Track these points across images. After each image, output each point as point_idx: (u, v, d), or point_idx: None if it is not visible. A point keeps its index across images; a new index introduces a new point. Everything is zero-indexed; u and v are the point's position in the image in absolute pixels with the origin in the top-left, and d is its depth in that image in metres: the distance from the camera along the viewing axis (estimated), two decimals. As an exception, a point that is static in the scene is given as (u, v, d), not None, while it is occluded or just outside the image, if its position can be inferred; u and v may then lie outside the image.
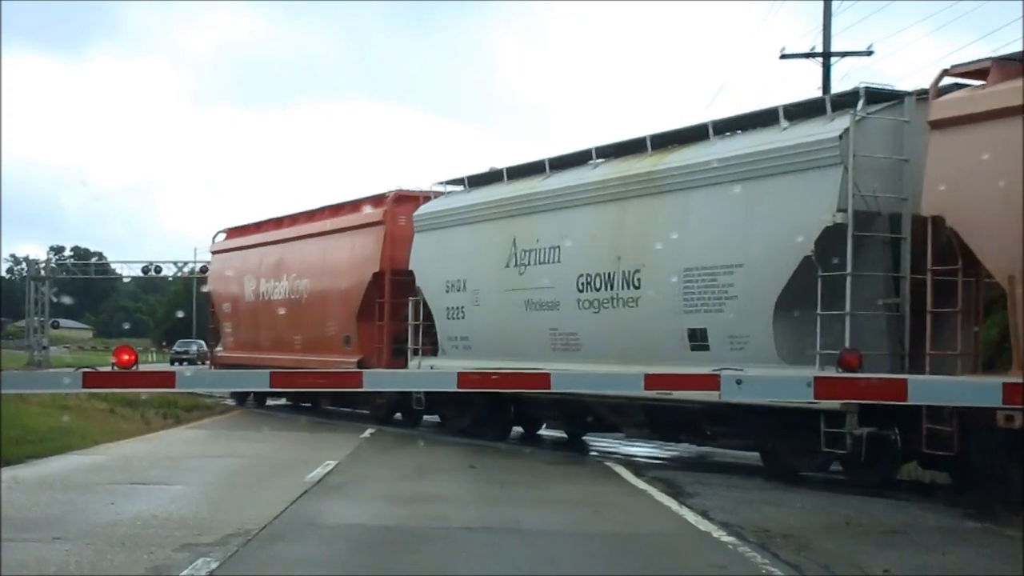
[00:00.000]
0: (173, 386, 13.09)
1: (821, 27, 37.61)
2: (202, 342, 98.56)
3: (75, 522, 13.56)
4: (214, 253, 43.38)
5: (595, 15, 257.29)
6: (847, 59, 38.37)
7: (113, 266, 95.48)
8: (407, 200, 29.83)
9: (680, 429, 22.04)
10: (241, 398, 40.29)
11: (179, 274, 78.78)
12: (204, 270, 76.79)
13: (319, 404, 36.64)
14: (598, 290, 21.90)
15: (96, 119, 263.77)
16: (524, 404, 25.78)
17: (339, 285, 31.94)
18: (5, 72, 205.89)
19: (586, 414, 24.27)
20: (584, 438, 27.37)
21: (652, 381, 13.45)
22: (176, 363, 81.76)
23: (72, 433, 24.70)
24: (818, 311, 17.60)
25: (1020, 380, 11.40)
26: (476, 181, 27.32)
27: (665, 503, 16.18)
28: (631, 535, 13.84)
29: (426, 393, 26.41)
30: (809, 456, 18.54)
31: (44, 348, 72.84)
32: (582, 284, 22.30)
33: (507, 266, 24.54)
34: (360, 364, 29.33)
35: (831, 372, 11.81)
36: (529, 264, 23.95)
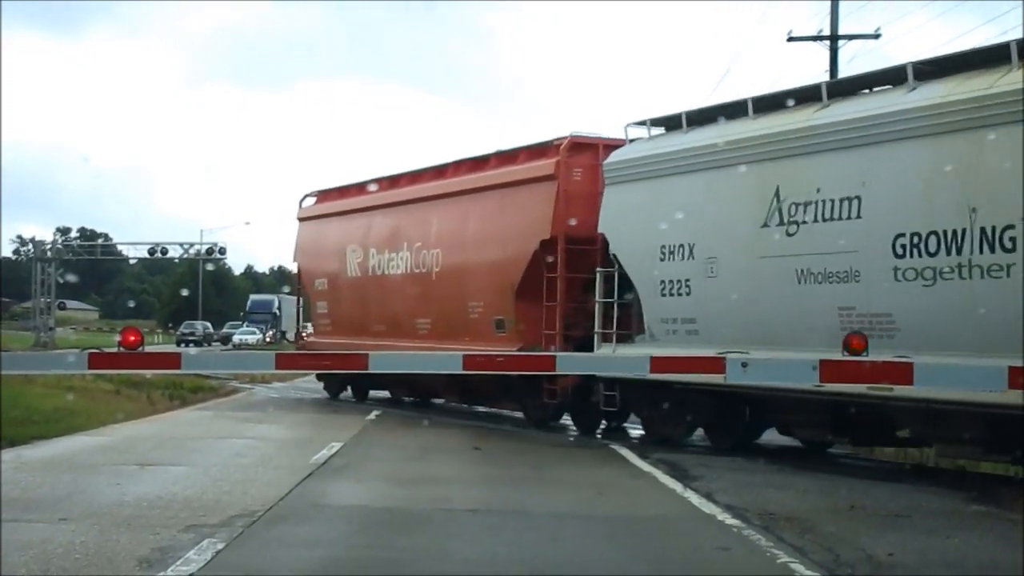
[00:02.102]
0: (178, 367, 13.04)
1: (827, 11, 37.54)
2: (208, 323, 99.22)
3: (80, 503, 13.59)
4: (302, 220, 36.17)
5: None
6: (854, 42, 38.31)
7: (119, 247, 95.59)
8: (585, 148, 24.24)
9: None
10: (335, 390, 34.63)
11: (185, 256, 78.77)
12: (210, 252, 77.06)
13: (441, 399, 31.60)
14: (933, 254, 16.32)
15: (98, 100, 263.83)
16: (767, 404, 19.87)
17: (488, 256, 25.90)
18: (4, 52, 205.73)
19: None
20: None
21: (657, 364, 13.44)
22: (182, 344, 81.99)
23: (77, 414, 24.73)
24: None
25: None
26: (699, 118, 21.29)
27: (669, 485, 16.20)
28: (635, 517, 13.86)
29: (620, 386, 22.18)
30: None
31: (50, 329, 72.85)
32: (902, 247, 16.74)
33: (765, 225, 18.77)
34: None
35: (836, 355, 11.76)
36: (804, 221, 18.24)
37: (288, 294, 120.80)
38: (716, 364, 11.81)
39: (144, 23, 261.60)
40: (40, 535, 11.42)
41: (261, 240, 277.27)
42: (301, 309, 38.16)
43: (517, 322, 24.63)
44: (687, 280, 20.43)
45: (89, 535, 11.48)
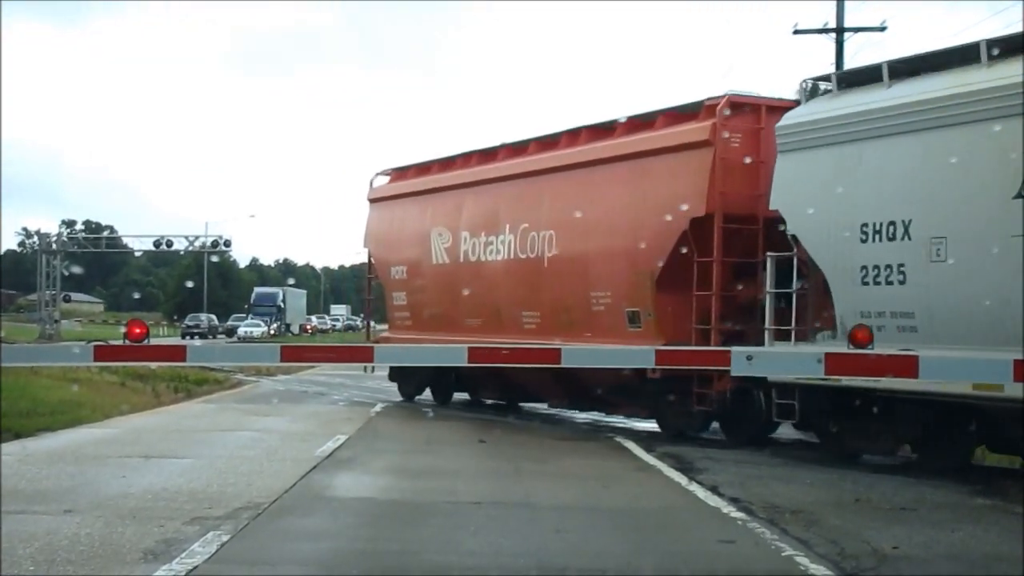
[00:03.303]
0: (184, 360, 13.06)
1: (829, 4, 37.48)
2: (213, 316, 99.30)
3: (86, 495, 13.61)
4: (373, 201, 32.23)
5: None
6: (859, 34, 38.24)
7: (124, 240, 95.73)
8: (744, 109, 20.77)
9: None
10: (410, 392, 30.98)
11: (190, 248, 78.84)
12: (215, 244, 77.14)
13: (542, 402, 27.90)
14: None
15: (102, 91, 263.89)
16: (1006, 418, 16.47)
17: (619, 238, 22.13)
18: (7, 43, 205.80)
19: None
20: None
21: (662, 357, 13.43)
22: (187, 336, 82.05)
23: (83, 406, 24.77)
24: None
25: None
26: (905, 69, 17.65)
27: (675, 479, 16.21)
28: (640, 510, 13.87)
29: (801, 393, 18.56)
30: None
31: (56, 321, 72.98)
32: None
33: (1019, 195, 15.38)
34: None
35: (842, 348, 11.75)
36: None
37: (293, 286, 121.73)
38: (721, 357, 11.81)
39: (149, 13, 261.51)
40: (46, 527, 11.45)
41: (266, 233, 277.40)
42: (371, 300, 33.51)
43: (656, 315, 21.14)
44: (900, 265, 16.92)
45: (94, 527, 11.51)
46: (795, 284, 18.75)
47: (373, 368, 32.02)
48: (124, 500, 13.24)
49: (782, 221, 18.76)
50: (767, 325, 19.03)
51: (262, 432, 21.81)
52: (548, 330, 23.50)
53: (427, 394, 30.31)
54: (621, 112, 23.40)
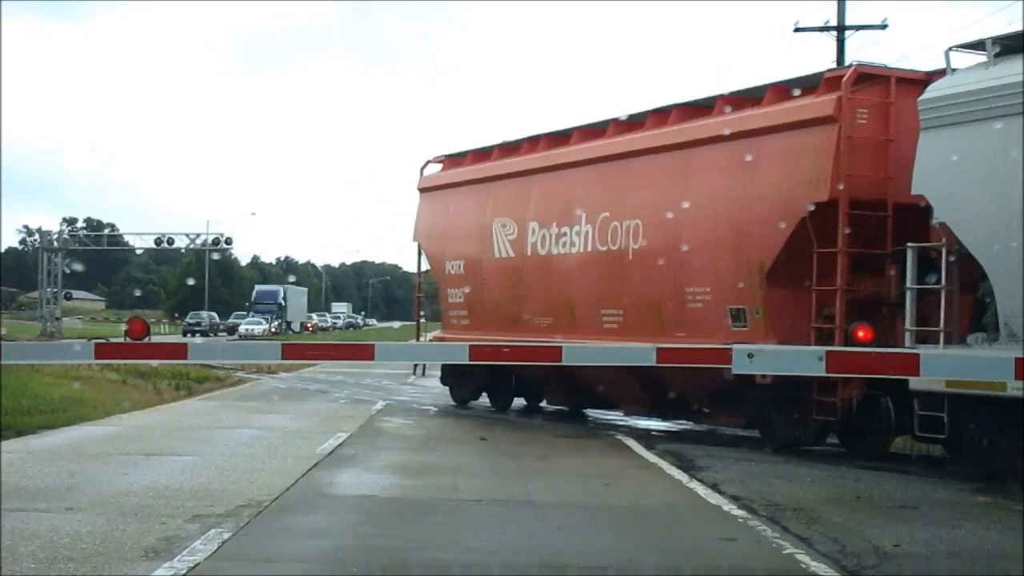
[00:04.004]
0: (185, 357, 13.05)
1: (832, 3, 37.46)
2: (214, 314, 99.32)
3: (87, 492, 13.62)
4: (424, 191, 29.76)
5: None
6: (861, 32, 38.23)
7: (126, 238, 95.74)
8: (871, 82, 18.72)
9: None
10: (465, 397, 28.67)
11: (191, 246, 78.85)
12: (216, 242, 77.11)
13: (619, 409, 25.09)
14: None
15: (103, 88, 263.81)
16: None
17: (721, 227, 19.99)
18: (6, 40, 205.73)
19: None
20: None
21: (664, 355, 13.43)
22: (188, 334, 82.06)
23: (84, 403, 24.78)
24: None
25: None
26: None
27: (675, 476, 16.21)
28: (641, 507, 13.87)
29: (950, 404, 16.23)
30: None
31: (56, 319, 72.97)
32: None
33: None
34: None
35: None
36: None
37: (294, 284, 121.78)
38: (722, 355, 11.80)
39: (150, 10, 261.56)
40: (47, 524, 11.46)
41: (267, 230, 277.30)
42: (422, 298, 31.13)
43: (766, 313, 19.05)
44: None
45: (96, 524, 11.52)
46: (943, 279, 16.48)
47: (424, 370, 31.14)
48: (125, 498, 13.25)
49: (926, 208, 16.56)
50: (908, 326, 16.75)
51: (263, 430, 21.82)
52: (632, 330, 21.42)
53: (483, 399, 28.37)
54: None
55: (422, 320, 31.36)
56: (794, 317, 18.72)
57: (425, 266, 30.05)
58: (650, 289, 21.34)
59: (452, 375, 28.97)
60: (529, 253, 24.93)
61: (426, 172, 29.89)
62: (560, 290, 23.93)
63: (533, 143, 26.04)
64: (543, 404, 27.87)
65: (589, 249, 23.04)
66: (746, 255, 19.40)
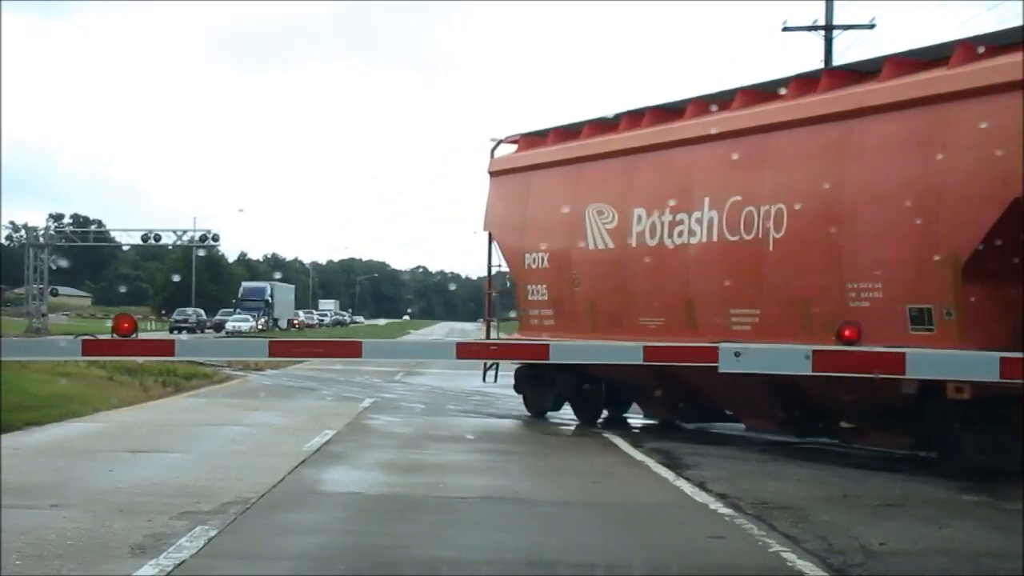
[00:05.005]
0: (172, 354, 13.08)
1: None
2: (201, 310, 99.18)
3: (74, 489, 13.60)
4: (496, 175, 26.32)
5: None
6: (849, 32, 38.31)
7: (113, 234, 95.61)
8: None
9: None
10: (545, 406, 25.14)
11: (178, 242, 78.77)
12: (203, 239, 77.01)
13: (739, 422, 22.08)
14: None
15: (91, 85, 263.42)
16: None
17: (899, 213, 16.66)
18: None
19: None
20: None
21: (651, 353, 13.45)
22: (175, 331, 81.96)
23: (71, 400, 24.72)
24: None
25: (1019, 355, 11.39)
26: None
27: (663, 474, 16.23)
28: (629, 505, 13.88)
29: None
30: None
31: (43, 315, 72.86)
32: None
33: None
34: None
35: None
36: None
37: (281, 281, 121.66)
38: (709, 353, 11.82)
39: (137, 6, 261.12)
40: (34, 521, 11.44)
41: (255, 227, 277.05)
42: (495, 296, 27.24)
43: (961, 314, 15.99)
44: None
45: (83, 521, 11.50)
46: None
47: (496, 375, 26.89)
48: (112, 495, 13.23)
49: None
50: None
51: (251, 427, 21.80)
52: (771, 332, 18.16)
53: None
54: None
55: (492, 322, 27.13)
56: (996, 320, 15.83)
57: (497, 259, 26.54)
58: (797, 285, 18.24)
59: (528, 382, 25.45)
60: (634, 244, 21.53)
61: (498, 153, 26.52)
62: (675, 287, 20.60)
63: (634, 118, 22.62)
64: (638, 418, 24.45)
65: (715, 238, 19.71)
66: (935, 246, 16.18)
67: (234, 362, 41.30)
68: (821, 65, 34.20)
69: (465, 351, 12.55)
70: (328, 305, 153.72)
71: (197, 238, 76.90)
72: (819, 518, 12.72)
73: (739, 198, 19.23)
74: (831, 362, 11.47)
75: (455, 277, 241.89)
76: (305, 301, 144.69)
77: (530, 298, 24.61)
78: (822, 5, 37.25)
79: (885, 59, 17.73)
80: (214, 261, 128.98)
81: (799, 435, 20.11)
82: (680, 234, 20.41)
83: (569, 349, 16.38)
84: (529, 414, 25.27)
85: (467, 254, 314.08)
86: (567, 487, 15.27)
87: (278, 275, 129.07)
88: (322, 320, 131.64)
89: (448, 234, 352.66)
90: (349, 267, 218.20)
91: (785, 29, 37.55)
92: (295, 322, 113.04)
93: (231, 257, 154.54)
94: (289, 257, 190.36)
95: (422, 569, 10.16)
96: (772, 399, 19.17)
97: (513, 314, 27.09)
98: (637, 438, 20.70)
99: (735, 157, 19.50)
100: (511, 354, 13.70)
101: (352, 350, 13.50)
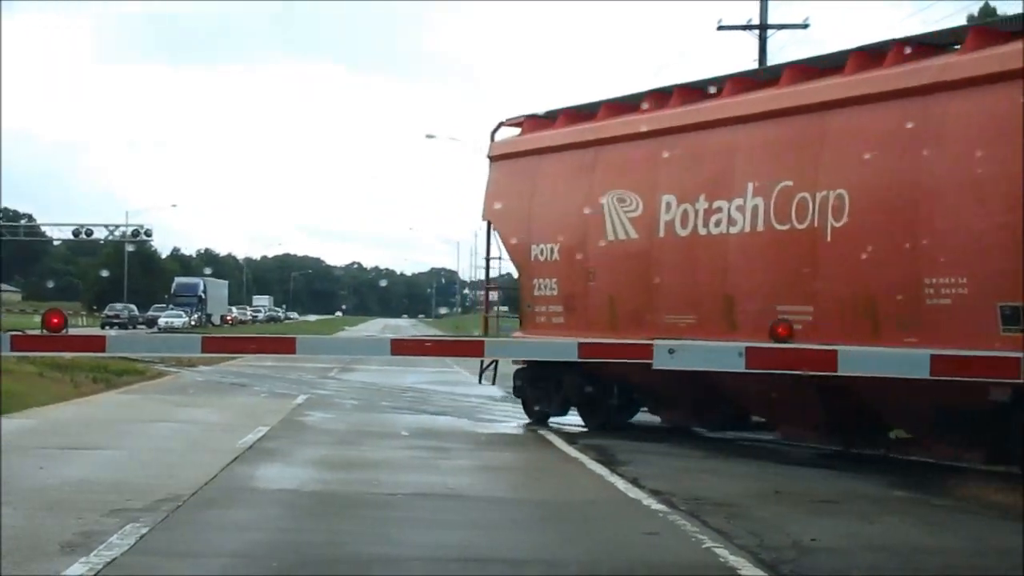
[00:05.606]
0: (103, 350, 13.01)
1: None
2: (133, 306, 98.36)
3: (3, 486, 13.43)
4: (497, 159, 24.30)
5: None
6: (783, 31, 38.58)
7: (43, 228, 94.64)
8: None
9: None
10: (546, 412, 22.89)
11: (111, 237, 78.10)
12: (135, 234, 76.46)
13: (773, 431, 19.80)
14: None
15: (20, 76, 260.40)
16: None
17: (990, 201, 14.87)
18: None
19: None
20: None
21: (586, 350, 13.50)
22: (107, 327, 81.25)
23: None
24: None
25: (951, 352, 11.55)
26: None
27: (597, 471, 16.27)
28: (564, 502, 13.91)
29: None
30: None
31: (-29, 310, 72.05)
32: None
33: None
34: None
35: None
36: None
37: (212, 276, 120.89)
38: (644, 350, 11.90)
39: (75, 5, 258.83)
40: (-38, 519, 11.29)
41: (189, 223, 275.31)
42: (494, 290, 25.93)
43: None
44: None
45: (13, 519, 11.37)
46: None
47: (495, 376, 24.85)
48: (43, 492, 13.10)
49: None
50: None
51: (184, 423, 21.65)
52: (828, 332, 15.96)
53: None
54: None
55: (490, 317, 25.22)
56: None
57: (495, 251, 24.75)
58: (862, 280, 16.39)
59: (530, 385, 23.13)
60: (662, 234, 19.59)
61: (499, 136, 24.48)
62: (711, 281, 18.74)
63: (660, 98, 20.69)
64: (658, 421, 22.37)
65: (760, 228, 17.87)
66: None
67: (167, 358, 41.00)
68: (756, 64, 34.43)
69: (399, 347, 12.55)
70: (262, 301, 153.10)
71: (130, 233, 76.44)
72: (753, 514, 12.79)
73: (790, 183, 17.42)
74: (764, 360, 11.57)
75: (390, 273, 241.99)
76: (239, 297, 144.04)
77: (536, 293, 22.65)
78: (757, 4, 37.50)
79: (967, 28, 16.03)
80: (147, 256, 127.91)
81: (845, 445, 18.29)
82: (717, 223, 18.56)
83: (503, 346, 16.38)
84: (529, 420, 23.15)
85: (403, 250, 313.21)
86: (502, 484, 15.29)
87: (208, 270, 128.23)
88: (256, 316, 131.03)
89: (384, 230, 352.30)
90: (284, 263, 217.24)
91: (720, 28, 37.76)
92: (228, 318, 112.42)
93: (164, 252, 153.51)
94: (223, 253, 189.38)
95: (356, 567, 10.13)
96: (820, 405, 17.38)
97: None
98: (572, 435, 20.73)
99: (787, 138, 17.91)
100: (448, 351, 13.63)
101: (286, 346, 13.46)
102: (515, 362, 23.15)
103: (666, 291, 19.51)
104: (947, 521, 12.99)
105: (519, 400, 23.70)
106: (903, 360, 12.15)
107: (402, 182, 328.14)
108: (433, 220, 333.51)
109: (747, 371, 11.75)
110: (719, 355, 12.58)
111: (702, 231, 18.77)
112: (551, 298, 22.22)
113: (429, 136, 64.29)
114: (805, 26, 38.13)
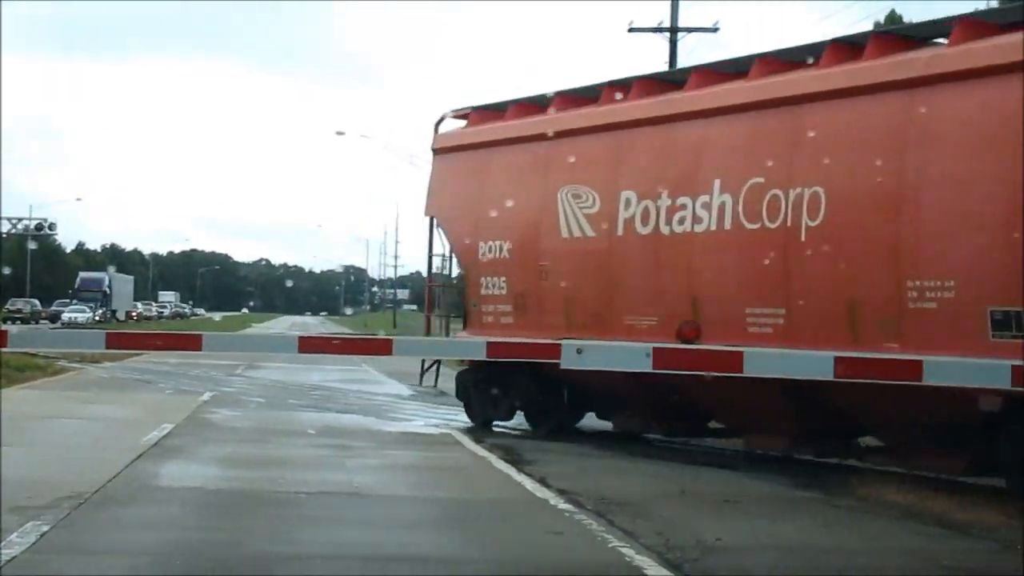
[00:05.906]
0: (4, 345, 12.76)
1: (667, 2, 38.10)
2: (36, 301, 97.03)
3: (-100, 483, 13.21)
4: (442, 152, 23.52)
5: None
6: (693, 34, 38.93)
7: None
8: None
9: None
10: (489, 415, 21.96)
11: (13, 231, 76.86)
12: (39, 228, 75.26)
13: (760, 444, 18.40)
14: None
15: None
16: None
17: (980, 199, 14.31)
18: None
19: None
20: None
21: (494, 349, 13.50)
22: (8, 322, 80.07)
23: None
24: None
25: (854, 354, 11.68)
26: None
27: (504, 470, 16.29)
28: (470, 501, 13.93)
29: None
30: None
31: None
32: None
33: None
34: None
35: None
36: None
37: (118, 272, 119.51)
38: (552, 350, 11.91)
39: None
40: None
41: (94, 217, 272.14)
42: (436, 288, 25.08)
43: None
44: None
45: (-92, 516, 11.17)
46: None
47: (436, 380, 24.29)
48: (-60, 489, 12.88)
49: None
50: None
51: (86, 420, 21.40)
52: (801, 335, 15.65)
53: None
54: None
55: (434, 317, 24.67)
56: None
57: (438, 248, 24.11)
58: (839, 282, 15.73)
59: (474, 387, 22.23)
60: (621, 232, 18.89)
61: (443, 128, 23.50)
62: (675, 281, 17.96)
63: (618, 90, 19.94)
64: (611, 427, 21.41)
65: (727, 227, 17.15)
66: None
67: (70, 354, 40.47)
68: (667, 67, 34.68)
69: (307, 345, 12.46)
70: (168, 297, 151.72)
71: (32, 227, 75.12)
72: (658, 514, 12.88)
73: (761, 180, 16.72)
74: (671, 360, 11.61)
75: (298, 270, 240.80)
76: (145, 293, 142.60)
77: (483, 292, 21.63)
78: (667, 6, 37.82)
79: (955, 19, 15.18)
80: (50, 251, 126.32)
81: (818, 455, 17.49)
82: (682, 221, 17.83)
83: (411, 345, 16.28)
84: (472, 423, 22.24)
85: (312, 248, 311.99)
86: (407, 482, 15.26)
87: (111, 267, 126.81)
88: (161, 312, 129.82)
89: (293, 227, 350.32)
90: (190, 259, 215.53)
91: (631, 30, 38.02)
92: (134, 314, 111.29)
93: (69, 247, 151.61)
94: (129, 248, 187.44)
95: (259, 565, 10.07)
96: (793, 413, 16.79)
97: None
98: (479, 434, 20.73)
99: (758, 133, 17.25)
100: (355, 349, 13.49)
101: (192, 343, 13.31)
102: (460, 363, 22.66)
103: (626, 291, 18.82)
104: (848, 521, 13.16)
105: (462, 403, 22.89)
106: (809, 362, 12.27)
107: (311, 180, 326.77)
108: (343, 218, 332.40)
109: (654, 371, 11.73)
110: (627, 355, 12.59)
111: (664, 229, 18.12)
112: (499, 297, 21.35)
113: (339, 133, 63.54)
114: (715, 30, 38.56)
